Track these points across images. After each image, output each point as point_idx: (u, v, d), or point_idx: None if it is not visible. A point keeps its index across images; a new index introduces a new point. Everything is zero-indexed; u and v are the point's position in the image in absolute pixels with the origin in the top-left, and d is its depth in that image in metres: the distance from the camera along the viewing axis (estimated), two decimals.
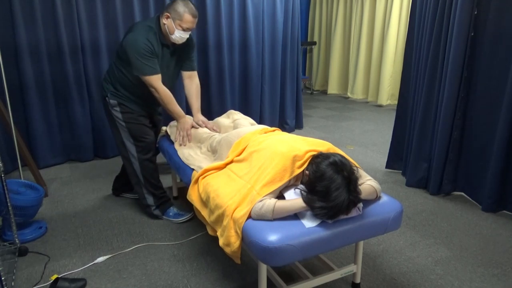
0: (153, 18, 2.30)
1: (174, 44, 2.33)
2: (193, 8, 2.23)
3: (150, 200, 2.50)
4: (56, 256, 2.15)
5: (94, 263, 2.08)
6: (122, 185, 2.82)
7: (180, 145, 2.40)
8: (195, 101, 2.59)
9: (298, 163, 1.63)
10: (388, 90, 5.80)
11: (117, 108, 2.36)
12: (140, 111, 2.41)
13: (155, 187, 2.50)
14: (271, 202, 1.54)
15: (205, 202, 1.82)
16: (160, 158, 3.08)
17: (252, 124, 2.44)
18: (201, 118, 2.54)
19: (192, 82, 2.58)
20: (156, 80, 2.26)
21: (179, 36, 2.25)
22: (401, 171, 3.31)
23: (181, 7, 2.19)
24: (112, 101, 2.36)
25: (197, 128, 2.47)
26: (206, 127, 2.50)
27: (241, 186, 1.68)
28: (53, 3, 3.15)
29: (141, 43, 2.17)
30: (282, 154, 1.65)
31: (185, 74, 2.56)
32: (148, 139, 2.43)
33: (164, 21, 2.23)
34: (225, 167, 1.94)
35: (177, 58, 2.43)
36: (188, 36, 2.29)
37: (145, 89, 2.32)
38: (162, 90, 2.29)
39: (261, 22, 4.06)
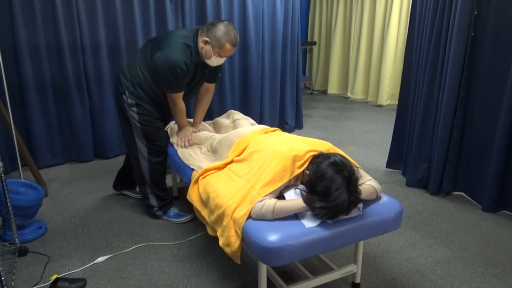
0: (189, 34, 2.21)
1: (206, 64, 2.28)
2: (236, 36, 2.14)
3: (153, 201, 2.49)
4: (56, 256, 2.15)
5: (94, 263, 2.08)
6: (124, 181, 2.79)
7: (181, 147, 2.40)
8: (201, 114, 2.59)
9: (298, 163, 1.63)
10: (388, 90, 5.80)
11: (134, 109, 2.31)
12: (156, 113, 2.37)
13: (161, 189, 2.49)
14: (271, 202, 1.54)
15: (205, 202, 1.82)
16: None
17: (252, 124, 2.44)
18: (200, 127, 2.54)
19: (206, 94, 2.56)
20: (179, 97, 2.28)
21: (215, 61, 2.22)
22: (401, 171, 3.31)
23: (222, 35, 2.11)
24: (130, 101, 2.30)
25: (196, 133, 2.47)
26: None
27: (241, 186, 1.68)
28: (53, 3, 3.15)
29: (178, 66, 2.11)
30: (282, 154, 1.65)
31: (205, 85, 2.53)
32: (162, 142, 2.42)
33: (202, 45, 2.17)
34: (225, 167, 1.94)
35: (206, 73, 2.41)
36: (223, 61, 2.26)
37: (164, 99, 2.33)
38: (180, 106, 2.33)
39: (261, 22, 4.06)
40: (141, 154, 2.39)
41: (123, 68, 2.41)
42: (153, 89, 2.30)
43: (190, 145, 2.39)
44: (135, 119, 2.33)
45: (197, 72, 2.30)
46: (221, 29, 2.12)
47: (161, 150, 2.42)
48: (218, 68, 2.46)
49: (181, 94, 2.29)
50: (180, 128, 2.45)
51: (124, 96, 2.32)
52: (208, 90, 2.56)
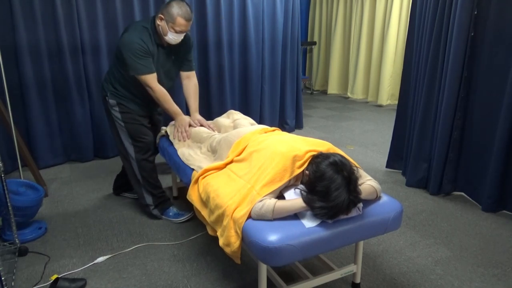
0: (148, 19, 2.31)
1: (169, 44, 2.33)
2: (187, 11, 2.22)
3: (149, 199, 2.50)
4: (56, 256, 2.15)
5: (94, 263, 2.08)
6: (123, 184, 2.82)
7: (179, 141, 2.40)
8: (193, 101, 2.60)
9: (298, 163, 1.63)
10: (388, 90, 5.80)
11: (116, 108, 2.37)
12: (139, 110, 2.42)
13: (154, 186, 2.50)
14: (271, 202, 1.54)
15: (205, 202, 1.82)
16: (160, 158, 3.08)
17: (252, 124, 2.44)
18: (198, 117, 2.55)
19: (190, 82, 2.59)
20: (151, 79, 2.27)
21: (172, 37, 2.25)
22: (401, 171, 3.31)
23: (175, 10, 2.19)
24: (111, 101, 2.37)
25: (194, 126, 2.47)
26: (202, 125, 2.50)
27: (241, 186, 1.68)
28: (53, 3, 3.15)
29: (135, 43, 2.18)
30: (282, 154, 1.65)
31: (184, 74, 2.57)
32: (146, 139, 2.44)
33: (158, 22, 2.24)
34: (225, 167, 1.94)
35: (174, 58, 2.44)
36: (181, 38, 2.29)
37: (143, 89, 2.33)
38: (158, 89, 2.30)
39: (261, 22, 4.06)
40: (129, 154, 2.43)
41: (105, 74, 2.49)
42: (131, 83, 2.33)
43: (188, 137, 2.40)
44: (118, 119, 2.38)
45: (160, 53, 2.33)
46: (173, 6, 2.20)
47: (147, 146, 2.45)
48: (187, 53, 2.50)
49: (152, 76, 2.27)
50: (174, 116, 2.44)
51: (106, 97, 2.39)
52: (190, 77, 2.58)
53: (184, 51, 2.48)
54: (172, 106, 2.39)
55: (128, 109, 2.38)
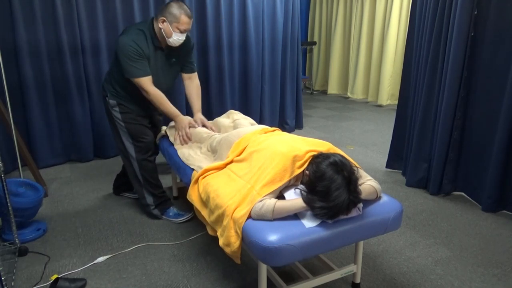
0: (145, 22, 2.31)
1: (169, 46, 2.33)
2: (188, 10, 2.24)
3: (149, 199, 2.50)
4: (56, 256, 2.15)
5: (94, 263, 2.08)
6: (123, 184, 2.82)
7: (182, 145, 2.40)
8: (196, 101, 2.60)
9: (298, 163, 1.63)
10: (388, 90, 5.80)
11: (117, 108, 2.37)
12: (139, 111, 2.42)
13: (154, 186, 2.50)
14: (271, 202, 1.54)
15: (205, 202, 1.82)
16: (160, 158, 3.08)
17: (252, 124, 2.44)
18: (200, 117, 2.55)
19: (192, 82, 2.59)
20: (145, 82, 2.26)
21: (176, 38, 2.25)
22: (401, 171, 3.31)
23: (176, 10, 2.19)
24: (111, 101, 2.38)
25: (195, 127, 2.47)
26: (204, 126, 2.50)
27: (241, 186, 1.68)
28: (53, 3, 3.15)
29: (129, 46, 2.18)
30: (282, 154, 1.65)
31: (185, 76, 2.57)
32: (147, 139, 2.44)
33: (160, 25, 2.23)
34: (225, 167, 1.94)
35: (174, 60, 2.43)
36: (184, 38, 2.29)
37: (140, 91, 2.33)
38: (152, 92, 2.29)
39: (261, 22, 4.06)
40: (129, 154, 2.43)
41: (105, 75, 2.49)
42: (130, 84, 2.32)
43: (190, 139, 2.39)
44: (118, 119, 2.38)
45: (158, 56, 2.32)
46: (173, 6, 2.21)
47: (147, 146, 2.45)
48: (188, 54, 2.50)
49: (146, 79, 2.26)
50: (173, 118, 2.44)
51: (106, 98, 2.39)
52: (192, 78, 2.59)
53: (185, 53, 2.47)
54: (169, 107, 2.38)
55: (128, 109, 2.38)
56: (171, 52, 2.38)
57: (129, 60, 2.20)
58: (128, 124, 2.39)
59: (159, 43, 2.30)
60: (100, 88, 3.46)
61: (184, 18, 2.20)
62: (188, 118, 2.48)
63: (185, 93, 2.62)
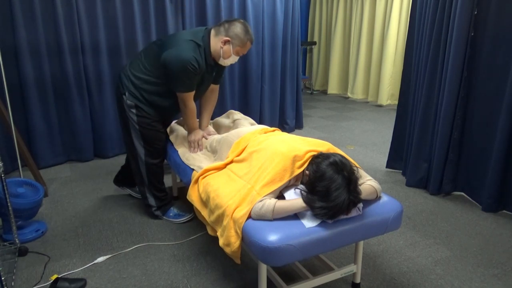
0: (198, 34, 2.19)
1: (216, 62, 2.27)
2: (252, 34, 2.18)
3: (151, 201, 2.49)
4: (56, 256, 2.15)
5: (94, 263, 2.08)
6: (127, 178, 2.76)
7: (192, 153, 2.37)
8: (207, 117, 2.56)
9: (298, 163, 1.63)
10: (388, 90, 5.80)
11: (134, 110, 2.29)
12: (156, 116, 2.35)
13: (159, 189, 2.49)
14: (271, 202, 1.54)
15: (205, 202, 1.82)
16: None
17: (252, 124, 2.44)
18: (210, 129, 2.53)
19: (211, 95, 2.55)
20: (189, 97, 2.24)
21: (232, 60, 2.22)
22: (401, 171, 3.31)
23: (244, 35, 2.12)
24: (129, 102, 2.29)
25: (206, 139, 2.41)
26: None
27: (241, 186, 1.68)
28: (53, 3, 3.15)
29: (189, 62, 2.07)
30: (282, 154, 1.65)
31: (211, 87, 2.52)
32: (160, 145, 2.40)
33: (221, 45, 2.16)
34: (225, 167, 1.94)
35: (215, 74, 2.41)
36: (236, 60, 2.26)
37: (171, 100, 2.29)
38: (191, 106, 2.28)
39: (261, 22, 4.06)
40: (138, 155, 2.38)
41: (125, 68, 2.38)
42: (159, 92, 2.27)
43: (200, 149, 2.36)
44: (134, 121, 2.31)
45: (207, 73, 2.28)
46: (241, 27, 2.13)
47: (159, 152, 2.41)
48: (223, 69, 2.47)
49: (192, 94, 2.24)
50: (190, 130, 2.38)
51: (124, 96, 2.30)
52: (213, 91, 2.54)
53: (223, 67, 2.44)
54: (194, 122, 2.36)
55: (145, 113, 2.30)
56: (216, 66, 2.33)
57: (185, 77, 2.12)
58: (143, 128, 2.32)
59: (211, 60, 2.22)
60: (102, 87, 3.45)
61: (249, 45, 2.15)
62: (201, 132, 2.42)
63: (201, 102, 2.56)
